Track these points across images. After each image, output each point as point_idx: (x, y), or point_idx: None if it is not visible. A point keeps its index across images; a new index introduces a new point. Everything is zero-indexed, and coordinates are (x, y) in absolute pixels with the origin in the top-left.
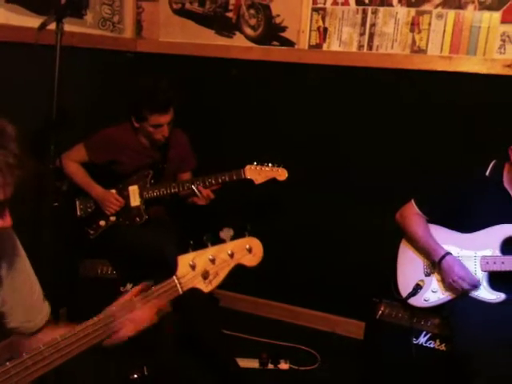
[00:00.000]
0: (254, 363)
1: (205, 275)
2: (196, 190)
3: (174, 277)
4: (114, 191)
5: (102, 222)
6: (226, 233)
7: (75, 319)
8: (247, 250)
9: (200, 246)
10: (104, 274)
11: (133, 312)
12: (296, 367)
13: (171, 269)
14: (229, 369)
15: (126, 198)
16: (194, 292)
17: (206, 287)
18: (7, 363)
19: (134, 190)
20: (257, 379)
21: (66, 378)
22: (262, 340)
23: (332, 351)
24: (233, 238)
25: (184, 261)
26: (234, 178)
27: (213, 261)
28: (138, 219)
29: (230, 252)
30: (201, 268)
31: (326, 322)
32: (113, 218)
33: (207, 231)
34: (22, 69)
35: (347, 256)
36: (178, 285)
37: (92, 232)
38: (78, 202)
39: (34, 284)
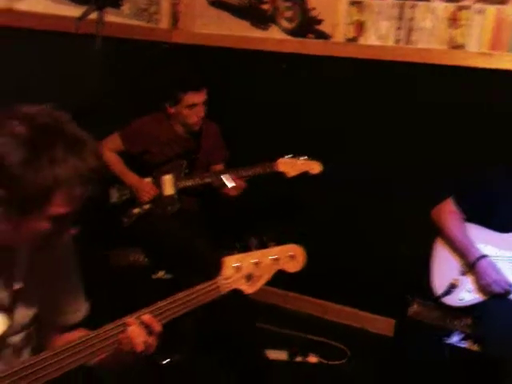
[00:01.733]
0: (282, 355)
1: (248, 278)
2: (226, 180)
3: (219, 277)
4: (149, 180)
5: (136, 210)
6: (268, 237)
7: (107, 307)
8: (290, 257)
9: (244, 248)
10: (136, 261)
11: None
12: (325, 361)
13: (198, 261)
14: (255, 362)
15: (160, 187)
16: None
17: (247, 289)
18: (41, 353)
19: (168, 180)
20: (285, 371)
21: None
22: (291, 333)
23: (362, 347)
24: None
25: (229, 262)
26: (267, 170)
27: (257, 264)
28: (170, 208)
29: (274, 257)
30: (245, 270)
31: (356, 318)
32: (146, 207)
33: (243, 228)
34: (61, 58)
35: (379, 252)
36: (222, 286)
37: (126, 220)
38: (113, 190)
39: (77, 285)
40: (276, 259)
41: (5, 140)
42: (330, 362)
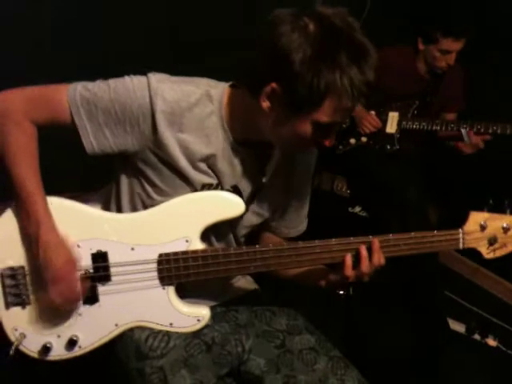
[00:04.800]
0: (460, 327)
1: (491, 241)
2: (465, 135)
3: (460, 230)
4: (373, 112)
5: (353, 141)
6: None
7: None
8: None
9: (496, 208)
10: (338, 189)
11: None
12: (504, 348)
13: (404, 208)
14: (437, 325)
15: (383, 122)
16: None
17: (487, 253)
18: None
19: (393, 117)
20: (460, 344)
21: None
22: (474, 309)
23: None
24: None
25: (475, 218)
26: (508, 131)
27: (506, 230)
28: (388, 147)
29: None
30: (490, 232)
31: None
32: (364, 139)
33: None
34: None
35: None
36: (461, 239)
37: (340, 147)
38: None
39: (307, 201)
40: None
41: (295, 36)
42: (509, 351)
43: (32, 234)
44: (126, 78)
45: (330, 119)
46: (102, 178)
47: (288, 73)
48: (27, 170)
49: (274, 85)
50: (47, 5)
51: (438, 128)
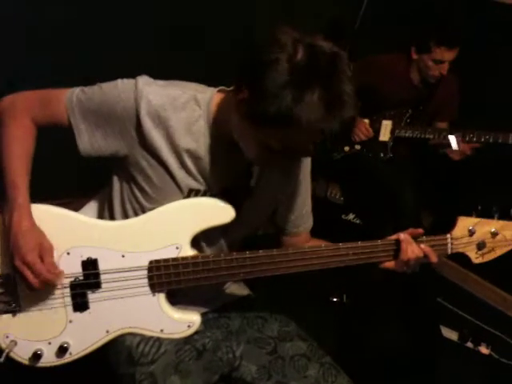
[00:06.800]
0: (453, 335)
1: (480, 246)
2: (454, 142)
3: (449, 235)
4: (366, 121)
5: (347, 148)
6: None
7: None
8: None
9: (484, 213)
10: (332, 196)
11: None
12: (497, 356)
13: (401, 214)
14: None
15: (377, 130)
16: None
17: (476, 258)
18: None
19: (386, 125)
20: (453, 351)
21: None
22: (466, 316)
23: None
24: None
25: (464, 223)
26: (500, 140)
27: (494, 234)
28: (381, 155)
29: None
30: (479, 237)
31: None
32: (358, 147)
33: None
34: None
35: None
36: (450, 245)
37: (335, 154)
38: None
39: (308, 197)
40: None
41: (281, 57)
42: (502, 359)
43: (7, 220)
44: (118, 80)
45: (281, 145)
46: (96, 183)
47: (259, 86)
48: (16, 161)
49: (245, 92)
50: (47, 5)
51: (431, 136)
